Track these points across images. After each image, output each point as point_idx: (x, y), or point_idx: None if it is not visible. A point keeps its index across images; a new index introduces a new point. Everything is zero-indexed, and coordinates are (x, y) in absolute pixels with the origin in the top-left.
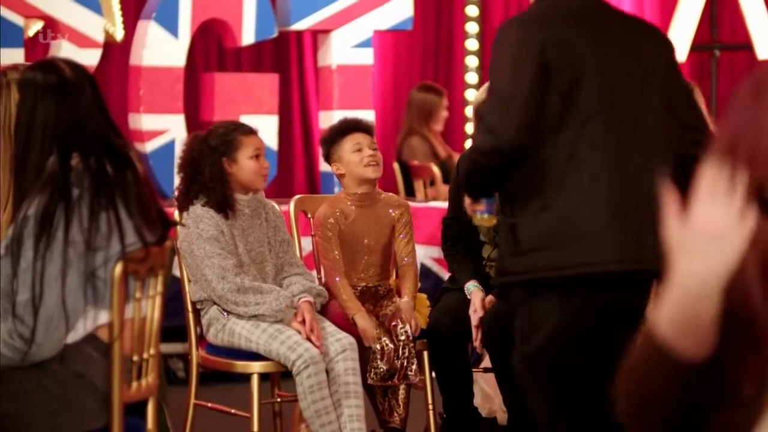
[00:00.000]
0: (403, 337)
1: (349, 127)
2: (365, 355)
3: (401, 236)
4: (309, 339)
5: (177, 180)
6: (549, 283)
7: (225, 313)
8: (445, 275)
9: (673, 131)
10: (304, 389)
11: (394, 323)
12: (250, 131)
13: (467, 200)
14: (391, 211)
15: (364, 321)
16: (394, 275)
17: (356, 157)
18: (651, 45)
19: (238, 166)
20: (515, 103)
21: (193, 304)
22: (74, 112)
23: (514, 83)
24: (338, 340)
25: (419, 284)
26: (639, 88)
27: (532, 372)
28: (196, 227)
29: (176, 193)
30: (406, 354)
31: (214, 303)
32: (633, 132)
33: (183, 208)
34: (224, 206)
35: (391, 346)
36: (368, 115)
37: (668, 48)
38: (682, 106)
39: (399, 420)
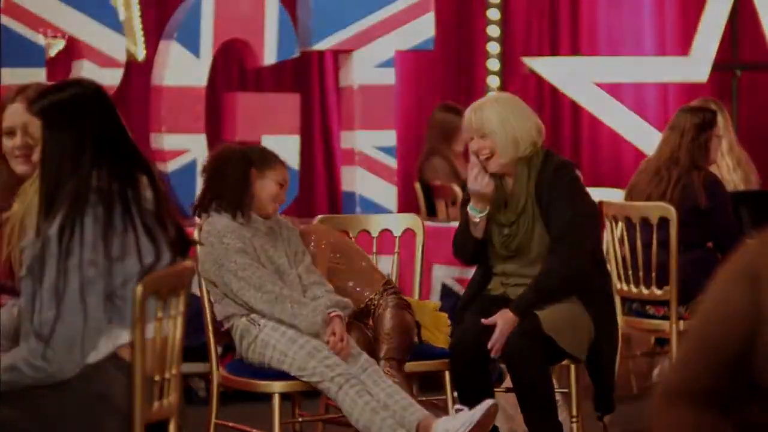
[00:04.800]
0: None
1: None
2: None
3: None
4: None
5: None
6: None
7: (257, 325)
8: None
9: None
10: (353, 397)
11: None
12: (284, 164)
13: None
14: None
15: None
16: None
17: None
18: None
19: (263, 182)
20: None
21: (216, 323)
22: (95, 131)
23: None
24: (359, 359)
25: (440, 303)
26: None
27: None
28: (221, 242)
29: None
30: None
31: (242, 315)
32: None
33: (198, 211)
34: (238, 209)
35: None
36: (390, 135)
37: None
38: None
39: None
